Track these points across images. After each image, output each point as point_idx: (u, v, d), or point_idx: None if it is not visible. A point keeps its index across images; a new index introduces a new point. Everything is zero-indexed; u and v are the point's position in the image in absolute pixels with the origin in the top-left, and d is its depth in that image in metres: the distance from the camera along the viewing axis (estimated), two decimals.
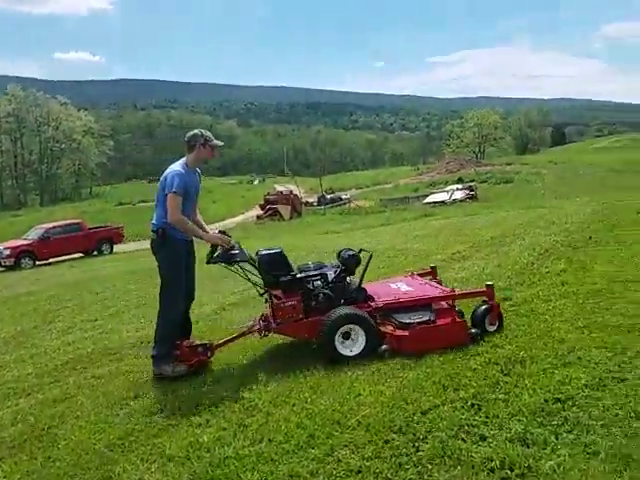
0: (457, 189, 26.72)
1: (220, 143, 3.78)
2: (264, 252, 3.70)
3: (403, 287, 3.94)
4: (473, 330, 3.55)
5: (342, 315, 3.45)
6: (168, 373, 3.57)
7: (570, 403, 2.60)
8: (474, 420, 2.55)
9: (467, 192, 25.67)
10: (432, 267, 4.53)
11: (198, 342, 3.73)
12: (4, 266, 17.38)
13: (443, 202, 24.38)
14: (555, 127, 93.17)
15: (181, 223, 3.52)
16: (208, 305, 5.75)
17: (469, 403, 2.75)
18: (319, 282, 3.72)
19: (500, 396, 2.78)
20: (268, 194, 29.67)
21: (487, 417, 2.56)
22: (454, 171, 41.81)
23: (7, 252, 17.56)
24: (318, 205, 30.83)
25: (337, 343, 3.43)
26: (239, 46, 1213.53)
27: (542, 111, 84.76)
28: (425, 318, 3.50)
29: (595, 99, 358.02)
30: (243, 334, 3.79)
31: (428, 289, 3.91)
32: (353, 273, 3.87)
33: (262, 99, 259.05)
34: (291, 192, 29.15)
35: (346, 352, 3.44)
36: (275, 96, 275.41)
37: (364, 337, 3.45)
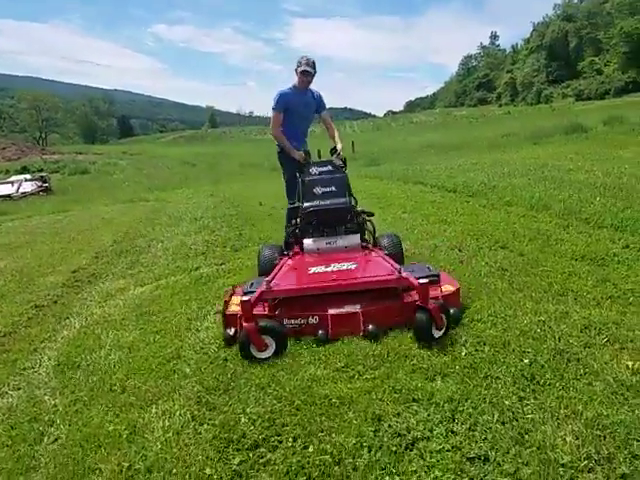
0: (25, 180, 21.88)
1: (305, 68, 4.15)
2: None
3: None
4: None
5: None
6: None
7: None
8: None
9: (39, 184, 21.36)
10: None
11: None
12: None
13: (9, 196, 19.38)
14: (121, 119, 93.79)
15: (277, 137, 4.35)
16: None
17: None
18: None
19: None
20: None
21: None
22: (14, 159, 34.80)
23: None
24: None
25: None
26: None
27: (107, 100, 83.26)
28: None
29: (154, 95, 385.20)
30: None
31: None
32: None
33: None
34: None
35: None
36: None
37: None
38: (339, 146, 4.32)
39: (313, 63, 4.21)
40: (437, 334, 2.71)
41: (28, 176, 23.65)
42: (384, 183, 9.30)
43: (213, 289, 4.00)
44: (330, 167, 4.06)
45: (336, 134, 4.48)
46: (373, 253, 3.61)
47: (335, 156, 4.23)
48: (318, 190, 3.89)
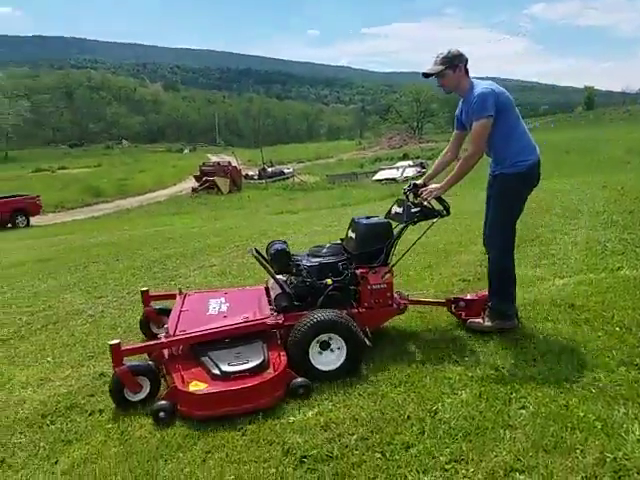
0: (409, 166, 25.37)
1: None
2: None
3: None
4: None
5: None
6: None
7: None
8: None
9: (419, 169, 24.32)
10: None
11: None
12: None
13: (394, 179, 22.88)
14: None
15: None
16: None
17: None
18: None
19: None
20: (204, 165, 26.60)
21: None
22: (397, 147, 40.83)
23: None
24: (259, 179, 28.27)
25: None
26: (156, 3, 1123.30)
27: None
28: None
29: (524, 79, 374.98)
30: None
31: None
32: None
33: (187, 62, 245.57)
34: (229, 163, 26.20)
35: None
36: (202, 60, 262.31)
37: None
38: (432, 186, 3.15)
39: (441, 59, 2.97)
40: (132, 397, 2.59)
41: (410, 162, 27.34)
42: None
43: None
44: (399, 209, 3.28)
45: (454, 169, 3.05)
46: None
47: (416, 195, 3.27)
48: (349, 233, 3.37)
